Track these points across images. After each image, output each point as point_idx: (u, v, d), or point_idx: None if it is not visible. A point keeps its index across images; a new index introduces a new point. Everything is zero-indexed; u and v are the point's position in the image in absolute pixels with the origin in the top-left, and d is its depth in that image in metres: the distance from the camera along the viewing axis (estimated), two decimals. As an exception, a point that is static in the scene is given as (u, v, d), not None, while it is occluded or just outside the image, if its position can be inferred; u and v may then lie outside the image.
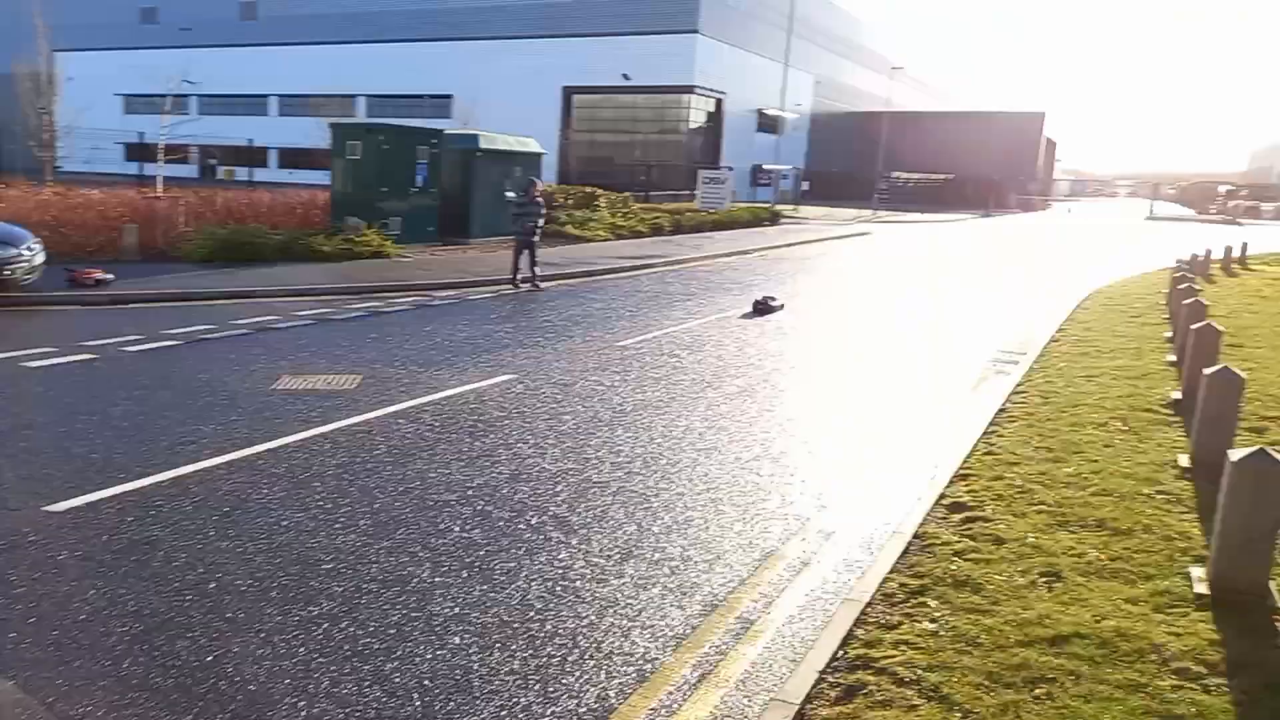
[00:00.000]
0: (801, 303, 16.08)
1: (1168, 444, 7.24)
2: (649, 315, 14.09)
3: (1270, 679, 3.79)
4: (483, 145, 23.53)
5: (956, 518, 5.84)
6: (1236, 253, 24.40)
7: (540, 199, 16.91)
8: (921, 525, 5.72)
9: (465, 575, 5.00)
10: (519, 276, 16.55)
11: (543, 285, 16.75)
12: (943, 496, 6.24)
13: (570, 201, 29.50)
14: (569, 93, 60.98)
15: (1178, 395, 8.52)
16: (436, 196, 22.59)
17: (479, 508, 5.97)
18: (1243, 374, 6.27)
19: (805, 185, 62.42)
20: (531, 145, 25.71)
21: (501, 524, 5.72)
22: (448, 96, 61.80)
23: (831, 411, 8.86)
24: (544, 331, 12.40)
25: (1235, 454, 4.32)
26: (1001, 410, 8.69)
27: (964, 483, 6.52)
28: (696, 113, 60.70)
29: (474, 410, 8.29)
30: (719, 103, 61.48)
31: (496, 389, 9.10)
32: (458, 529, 5.62)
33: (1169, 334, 12.37)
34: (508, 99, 58.56)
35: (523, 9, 60.69)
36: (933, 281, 20.45)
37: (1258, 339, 12.32)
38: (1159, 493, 6.06)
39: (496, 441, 7.39)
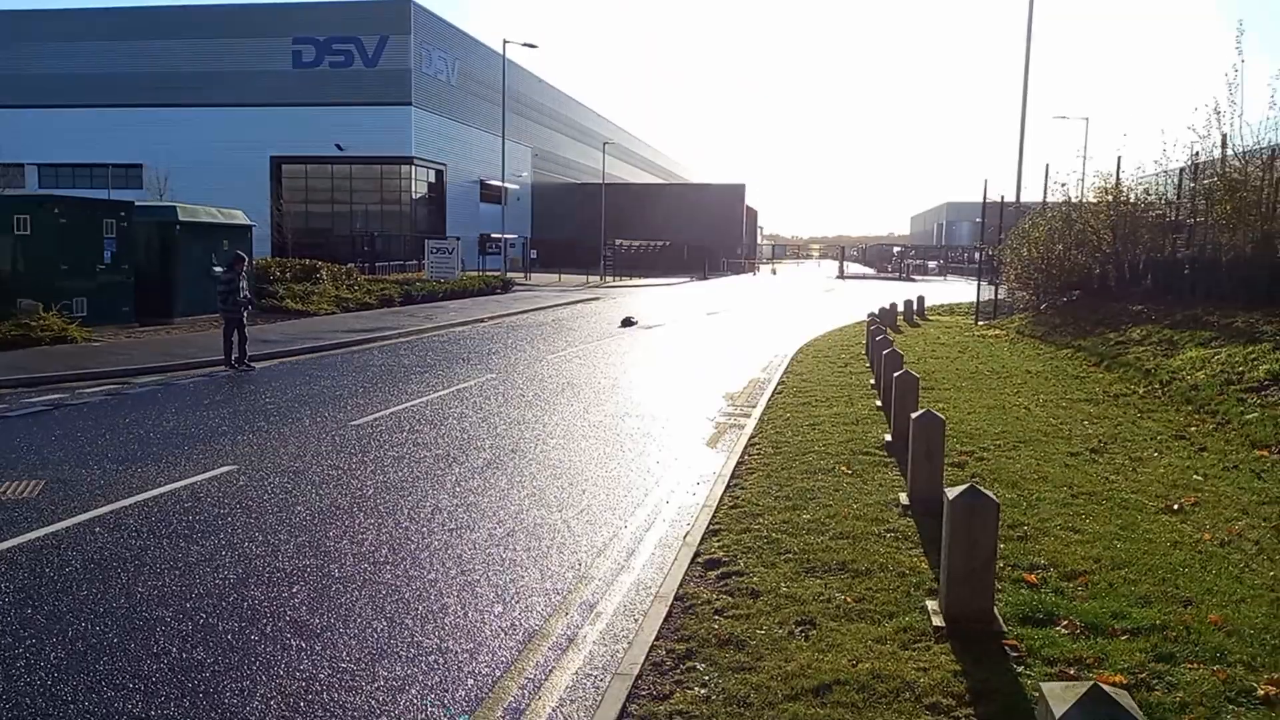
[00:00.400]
0: (542, 369, 16.10)
1: (888, 484, 7.88)
2: (384, 390, 13.45)
3: (1008, 704, 4.11)
4: (182, 218, 21.73)
5: (713, 575, 5.94)
6: (916, 306, 27.66)
7: (245, 274, 15.77)
8: (682, 586, 5.75)
9: (188, 704, 4.33)
10: (233, 357, 15.27)
11: (257, 365, 15.56)
12: (698, 554, 6.34)
13: (288, 275, 27.88)
14: (278, 163, 58.19)
15: (889, 438, 9.34)
16: (130, 274, 20.46)
17: (201, 621, 5.25)
18: (941, 416, 6.96)
19: (534, 253, 63.48)
20: (238, 217, 24.10)
21: (230, 638, 5.05)
22: (136, 166, 56.85)
23: (583, 480, 8.82)
24: (268, 415, 11.43)
25: (951, 491, 4.71)
26: (740, 463, 9.08)
27: (716, 538, 6.67)
28: (419, 183, 60.07)
29: (189, 510, 7.38)
30: (440, 173, 61.31)
31: (215, 483, 8.19)
32: (175, 649, 4.89)
33: (872, 381, 13.65)
34: (210, 169, 54.87)
35: (225, 76, 57.43)
36: (663, 342, 21.32)
37: (945, 382, 13.91)
38: (887, 531, 6.53)
39: (219, 543, 6.60)
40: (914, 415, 6.93)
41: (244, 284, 15.61)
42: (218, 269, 23.04)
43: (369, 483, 8.36)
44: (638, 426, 11.36)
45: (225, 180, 53.72)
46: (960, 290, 47.99)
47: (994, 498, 4.65)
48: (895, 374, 9.23)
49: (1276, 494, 7.23)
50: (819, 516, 6.97)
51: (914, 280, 66.79)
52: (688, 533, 7.05)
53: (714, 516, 7.27)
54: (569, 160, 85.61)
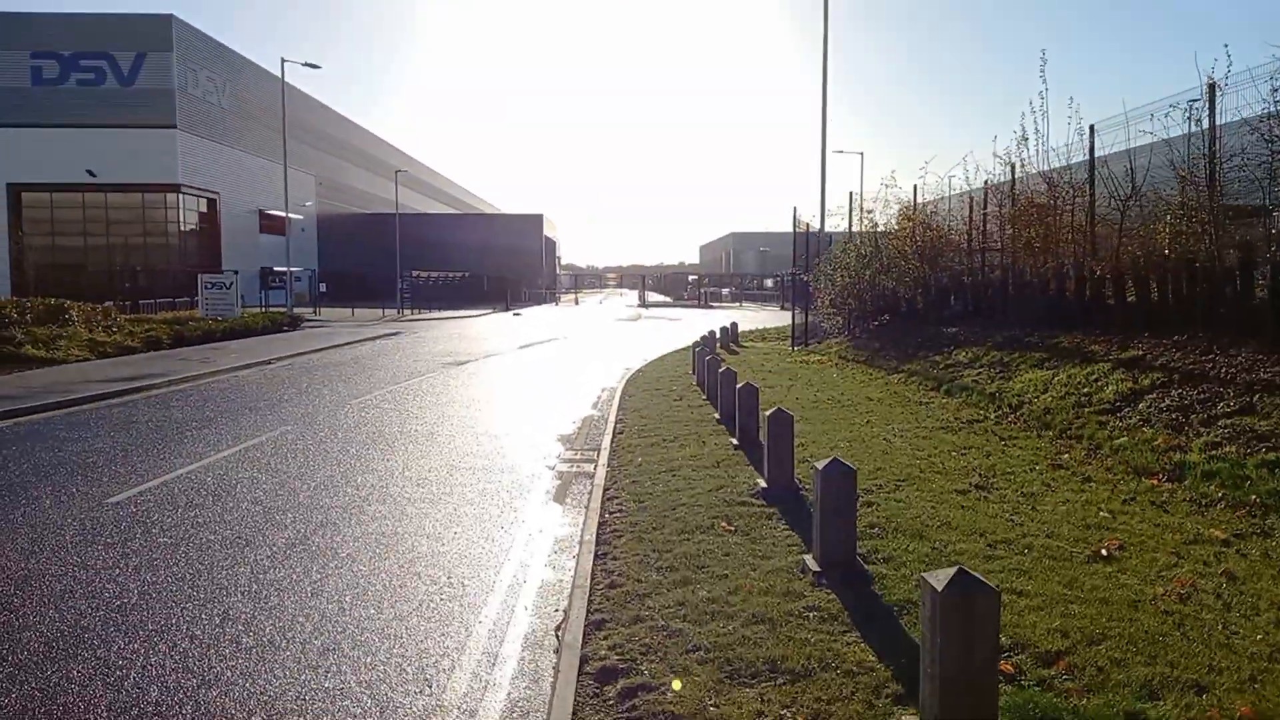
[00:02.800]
0: (347, 417, 14.12)
1: (781, 543, 6.85)
2: (153, 454, 11.13)
3: None
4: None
5: (612, 691, 4.62)
6: (731, 333, 27.54)
7: None
8: (576, 714, 4.40)
9: None
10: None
11: None
12: (585, 660, 5.00)
13: (29, 317, 23.87)
14: (17, 190, 51.34)
15: (763, 483, 8.38)
16: None
17: None
18: (851, 465, 6.03)
19: (323, 286, 59.54)
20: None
21: None
22: None
23: (415, 557, 7.23)
24: (-10, 497, 8.95)
25: (936, 579, 3.69)
26: (603, 523, 7.81)
27: (601, 633, 5.36)
28: (187, 213, 54.81)
29: None
30: (212, 202, 56.34)
31: (-99, 607, 5.96)
32: None
33: (717, 416, 12.79)
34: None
35: (-52, 91, 50.12)
36: (479, 380, 19.72)
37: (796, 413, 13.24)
38: (808, 610, 5.46)
39: (-106, 711, 4.56)
40: (820, 465, 5.95)
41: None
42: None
43: (130, 587, 6.40)
44: (470, 481, 9.83)
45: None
46: (760, 316, 49.20)
47: (991, 585, 3.65)
48: (767, 413, 8.29)
49: (1193, 530, 6.83)
50: (718, 593, 5.82)
51: (713, 307, 68.33)
52: (561, 625, 5.71)
53: (590, 599, 5.96)
54: (358, 189, 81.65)
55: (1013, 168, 18.50)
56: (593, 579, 6.36)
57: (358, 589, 6.42)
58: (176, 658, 5.23)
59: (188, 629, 5.65)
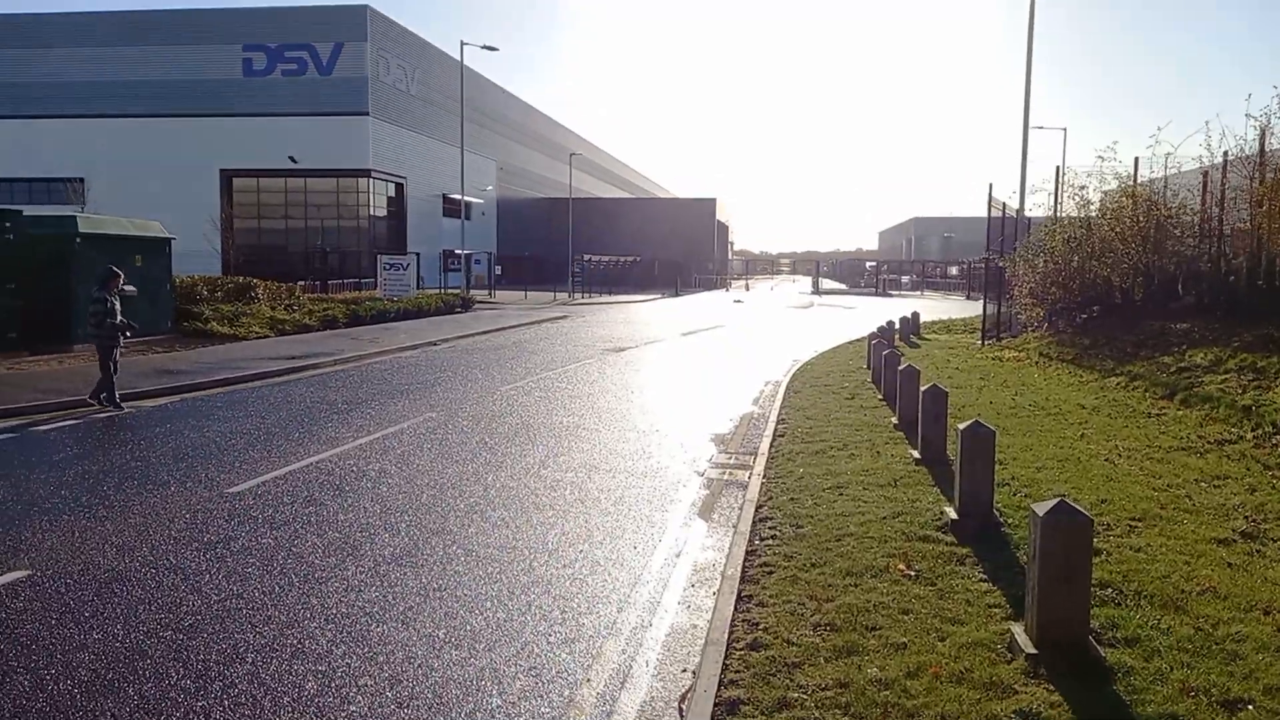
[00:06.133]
0: (494, 405, 13.45)
1: (978, 601, 5.33)
2: (291, 439, 10.75)
3: None
4: (84, 229, 18.86)
5: (742, 823, 3.35)
6: (911, 324, 25.34)
7: (117, 293, 13.00)
8: None
9: None
10: (100, 395, 12.58)
11: (126, 406, 12.76)
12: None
13: (218, 294, 24.99)
14: (228, 176, 55.04)
15: (952, 513, 6.81)
16: (15, 294, 17.59)
17: None
18: (1084, 513, 4.44)
19: (498, 269, 60.82)
20: (154, 229, 21.28)
21: None
22: (78, 179, 53.51)
23: (526, 584, 6.19)
24: (121, 480, 8.68)
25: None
26: (751, 552, 6.52)
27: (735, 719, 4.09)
28: (377, 197, 57.16)
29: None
30: (400, 187, 58.47)
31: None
32: None
33: (895, 420, 11.16)
34: (157, 183, 51.79)
35: (172, 85, 54.27)
36: (637, 369, 18.75)
37: (984, 420, 11.42)
38: (1023, 714, 3.97)
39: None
40: (1039, 511, 4.41)
41: (118, 305, 12.88)
42: (128, 288, 20.25)
43: (214, 599, 5.69)
44: (608, 487, 8.75)
45: (173, 194, 50.66)
46: (944, 306, 45.94)
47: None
48: (962, 426, 6.71)
49: None
50: (894, 673, 4.41)
51: (890, 295, 64.88)
52: (687, 695, 4.49)
53: (725, 662, 4.70)
54: (536, 174, 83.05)
55: (1263, 133, 15.56)
56: (731, 631, 5.09)
57: (454, 622, 5.43)
58: (236, 692, 4.38)
59: (250, 661, 4.82)
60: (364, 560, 6.52)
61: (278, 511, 7.71)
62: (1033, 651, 4.41)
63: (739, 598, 5.64)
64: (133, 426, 11.62)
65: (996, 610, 5.14)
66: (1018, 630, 4.66)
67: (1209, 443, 9.26)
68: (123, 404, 12.66)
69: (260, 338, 22.92)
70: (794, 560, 6.23)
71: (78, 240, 18.70)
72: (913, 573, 5.82)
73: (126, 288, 20.13)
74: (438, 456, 9.96)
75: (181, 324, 22.15)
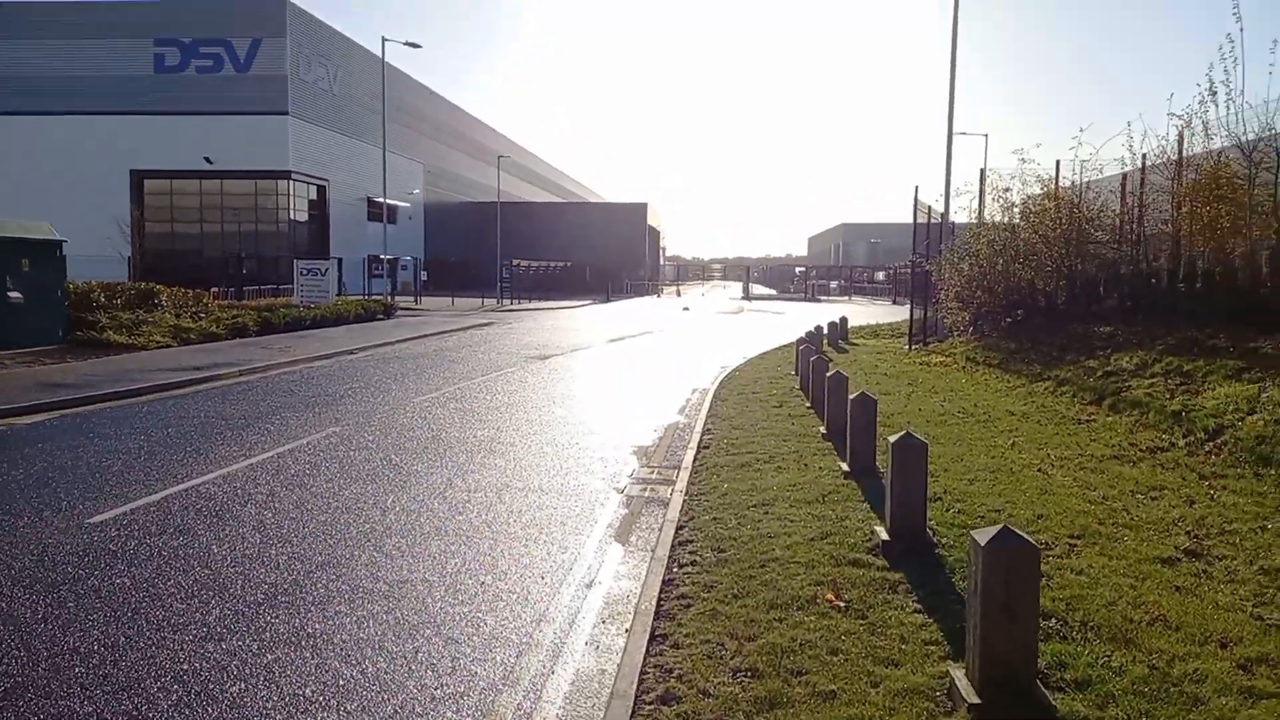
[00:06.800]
0: (406, 417, 12.66)
1: (913, 636, 4.83)
2: (176, 458, 9.83)
3: None
4: (-40, 230, 17.43)
5: None
6: (840, 329, 25.18)
7: None
8: None
9: None
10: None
11: (22, 420, 11.69)
12: None
13: (118, 301, 23.53)
14: (140, 177, 52.66)
15: (884, 534, 6.33)
16: (-122, 301, 16.12)
17: None
18: (1029, 540, 3.96)
19: (424, 275, 59.46)
20: (42, 230, 19.88)
21: None
22: (-16, 180, 50.70)
23: (418, 622, 5.52)
24: (-34, 511, 7.71)
25: None
26: (669, 581, 5.94)
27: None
28: (298, 200, 55.33)
29: None
30: (322, 190, 56.74)
31: None
32: None
33: (823, 429, 10.73)
34: (63, 185, 49.29)
35: (81, 81, 51.70)
36: (561, 377, 18.09)
37: (912, 428, 11.08)
38: (968, 782, 3.46)
39: None
40: (981, 540, 3.92)
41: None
42: (13, 294, 18.85)
43: (41, 653, 4.88)
44: (519, 508, 8.09)
45: (82, 196, 48.29)
46: (871, 311, 46.27)
47: None
48: (893, 439, 6.24)
49: None
50: (821, 728, 3.87)
51: (820, 300, 65.32)
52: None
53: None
54: (465, 178, 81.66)
55: (1181, 136, 15.64)
56: (641, 680, 4.50)
57: (326, 676, 4.73)
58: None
59: (70, 739, 4.05)
60: (231, 601, 5.76)
61: (141, 544, 6.87)
62: (975, 701, 3.91)
63: (652, 637, 5.06)
64: (-3, 447, 10.54)
65: (933, 648, 4.65)
66: (958, 674, 4.16)
67: (1141, 450, 9.01)
68: None
69: (162, 347, 21.60)
70: (714, 590, 5.68)
71: (-47, 243, 17.29)
72: (842, 604, 5.31)
73: (11, 294, 18.84)
74: (335, 476, 9.17)
75: (75, 333, 20.71)
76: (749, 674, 4.46)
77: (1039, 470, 8.38)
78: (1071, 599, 5.15)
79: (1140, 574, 5.58)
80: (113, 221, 41.81)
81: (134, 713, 4.30)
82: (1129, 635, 4.66)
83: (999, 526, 3.98)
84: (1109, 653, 4.45)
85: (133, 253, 50.88)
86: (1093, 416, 10.89)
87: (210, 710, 4.33)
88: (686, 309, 50.11)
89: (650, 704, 4.27)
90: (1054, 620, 4.86)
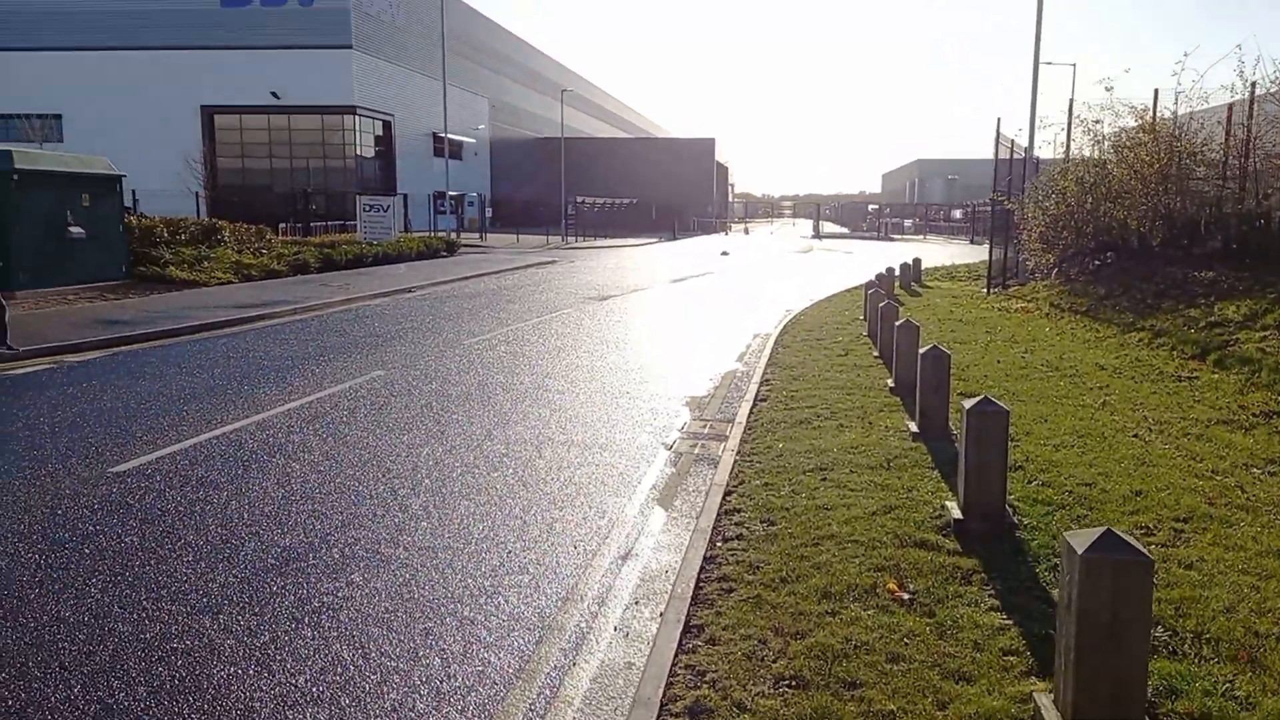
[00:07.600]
0: (452, 361, 12.23)
1: (989, 647, 4.13)
2: (214, 402, 9.54)
3: None
4: (20, 165, 17.44)
5: None
6: (913, 271, 23.98)
7: None
8: None
9: None
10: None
11: (20, 352, 11.67)
12: None
13: (181, 237, 23.56)
14: (210, 113, 53.01)
15: (957, 512, 5.61)
16: (-59, 237, 16.25)
17: None
18: (1146, 555, 3.22)
19: (489, 212, 59.13)
20: (101, 165, 19.85)
21: None
22: (55, 116, 51.62)
23: (433, 606, 5.04)
24: (-9, 457, 7.50)
25: None
26: (712, 557, 5.35)
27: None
28: (364, 135, 55.18)
29: None
30: (388, 125, 56.46)
31: None
32: None
33: (891, 383, 9.94)
34: (136, 120, 49.89)
35: (150, 15, 51.87)
36: (618, 320, 17.49)
37: (990, 383, 10.20)
38: None
39: None
40: (1077, 546, 3.21)
41: None
42: (74, 229, 18.89)
43: (29, 624, 4.53)
44: (559, 464, 7.56)
45: (152, 131, 48.89)
46: (947, 251, 44.42)
47: None
48: (968, 404, 5.48)
49: None
50: (877, 763, 3.25)
51: (893, 239, 63.23)
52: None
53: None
54: (531, 113, 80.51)
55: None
56: (669, 685, 3.93)
57: (324, 661, 4.27)
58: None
59: (33, 732, 3.66)
60: (239, 567, 5.35)
61: (159, 498, 6.53)
62: (1065, 732, 3.24)
63: (686, 628, 4.48)
64: (41, 385, 10.41)
65: (1013, 660, 3.96)
66: (1044, 701, 3.48)
67: (1254, 415, 8.04)
68: (13, 346, 11.59)
69: (223, 284, 21.61)
70: (760, 572, 5.06)
71: (14, 178, 17.29)
72: (906, 595, 4.64)
73: (72, 229, 18.88)
74: (372, 425, 8.76)
75: (138, 269, 20.83)
76: (793, 684, 3.85)
77: (1135, 436, 7.51)
78: (1181, 602, 4.39)
79: (1264, 570, 4.78)
80: (182, 157, 42.15)
81: (106, 700, 3.89)
82: (1255, 652, 3.90)
83: (1100, 530, 3.25)
84: (1231, 676, 3.71)
85: (203, 188, 51.53)
86: (1195, 373, 9.86)
87: (188, 702, 3.90)
88: (725, 254, 48.84)
89: (677, 716, 3.70)
90: (1160, 628, 4.12)
